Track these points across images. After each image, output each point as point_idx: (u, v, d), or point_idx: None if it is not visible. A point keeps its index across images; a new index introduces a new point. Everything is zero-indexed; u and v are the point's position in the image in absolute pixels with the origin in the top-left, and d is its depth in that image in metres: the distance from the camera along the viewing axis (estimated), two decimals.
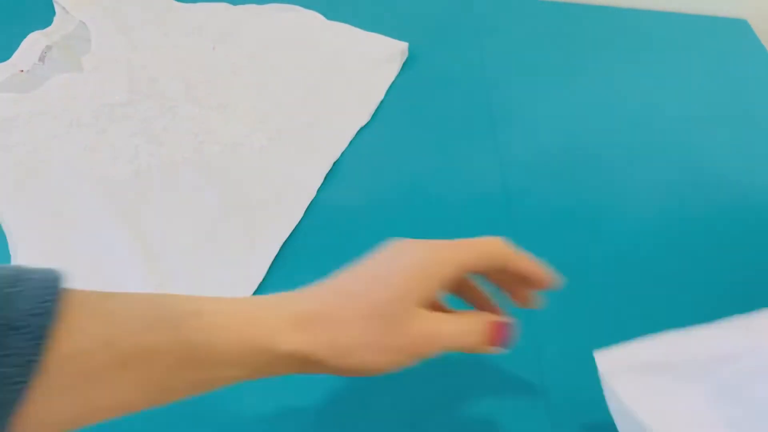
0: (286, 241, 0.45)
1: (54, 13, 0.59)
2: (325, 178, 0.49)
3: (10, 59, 0.53)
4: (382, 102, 0.57)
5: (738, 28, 0.71)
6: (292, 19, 0.63)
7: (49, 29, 0.56)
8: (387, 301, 0.28)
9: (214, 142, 0.50)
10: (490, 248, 0.31)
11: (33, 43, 0.54)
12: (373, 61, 0.59)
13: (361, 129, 0.54)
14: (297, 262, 0.44)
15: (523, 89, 0.60)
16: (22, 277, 0.23)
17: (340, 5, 0.67)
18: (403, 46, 0.60)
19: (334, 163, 0.50)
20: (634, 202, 0.50)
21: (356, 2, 0.69)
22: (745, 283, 0.45)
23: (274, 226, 0.45)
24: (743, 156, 0.55)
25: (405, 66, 0.61)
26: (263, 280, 0.42)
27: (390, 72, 0.59)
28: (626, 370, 0.32)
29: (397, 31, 0.63)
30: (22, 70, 0.53)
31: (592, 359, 0.35)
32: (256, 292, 0.41)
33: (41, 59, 0.53)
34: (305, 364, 0.27)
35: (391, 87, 0.58)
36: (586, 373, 0.35)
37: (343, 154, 0.51)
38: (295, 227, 0.46)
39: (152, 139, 0.50)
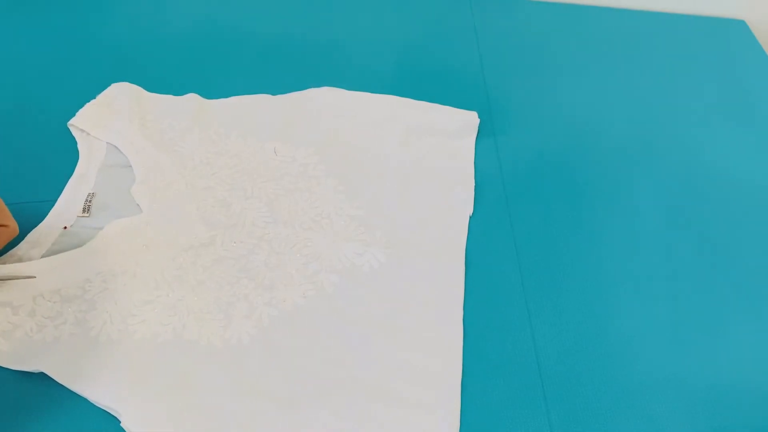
0: None
1: (72, 140, 0.49)
2: None
3: (48, 218, 0.43)
4: None
5: (736, 29, 0.73)
6: (343, 103, 0.55)
7: (80, 167, 0.46)
8: None
9: (330, 270, 0.43)
10: None
11: (74, 192, 0.44)
12: (452, 139, 0.53)
13: None
14: None
15: (523, 89, 0.61)
16: None
17: (341, 6, 0.68)
18: (475, 119, 0.55)
19: None
20: (633, 201, 0.51)
21: (357, 3, 0.69)
22: (745, 281, 0.47)
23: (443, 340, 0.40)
24: (741, 155, 0.57)
25: (404, 66, 0.61)
26: None
27: (469, 150, 0.53)
28: None
29: (397, 31, 0.65)
30: (66, 227, 0.43)
31: (591, 357, 0.40)
32: None
33: (85, 210, 0.44)
34: None
35: (389, 88, 0.57)
36: (586, 371, 0.40)
37: None
38: None
39: (260, 283, 0.42)
